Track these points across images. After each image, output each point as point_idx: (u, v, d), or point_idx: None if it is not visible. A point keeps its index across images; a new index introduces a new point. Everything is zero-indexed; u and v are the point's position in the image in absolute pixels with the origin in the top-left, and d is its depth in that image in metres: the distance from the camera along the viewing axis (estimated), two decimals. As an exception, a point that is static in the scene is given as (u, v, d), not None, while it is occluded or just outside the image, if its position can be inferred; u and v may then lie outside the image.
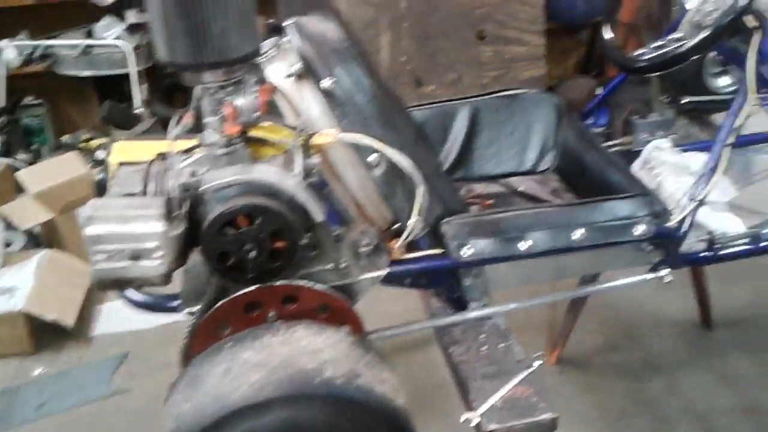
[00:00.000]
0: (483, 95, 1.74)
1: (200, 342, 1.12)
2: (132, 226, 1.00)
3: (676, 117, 1.95)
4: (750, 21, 1.47)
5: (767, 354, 2.39)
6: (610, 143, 1.93)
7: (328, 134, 1.20)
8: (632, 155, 1.84)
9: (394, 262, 1.32)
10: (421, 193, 1.25)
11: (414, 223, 1.28)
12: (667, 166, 1.74)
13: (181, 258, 1.08)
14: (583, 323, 2.52)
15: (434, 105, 1.74)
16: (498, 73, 2.71)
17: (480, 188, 1.73)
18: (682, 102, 1.89)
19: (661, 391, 2.26)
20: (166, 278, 1.05)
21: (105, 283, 1.05)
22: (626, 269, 1.55)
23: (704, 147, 1.60)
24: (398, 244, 1.30)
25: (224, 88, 1.07)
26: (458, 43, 2.64)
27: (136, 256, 1.01)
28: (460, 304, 1.44)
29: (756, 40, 1.47)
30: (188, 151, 1.13)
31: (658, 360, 2.39)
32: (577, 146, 1.72)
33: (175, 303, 1.24)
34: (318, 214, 1.12)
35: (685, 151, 1.81)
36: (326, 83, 1.22)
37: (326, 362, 0.99)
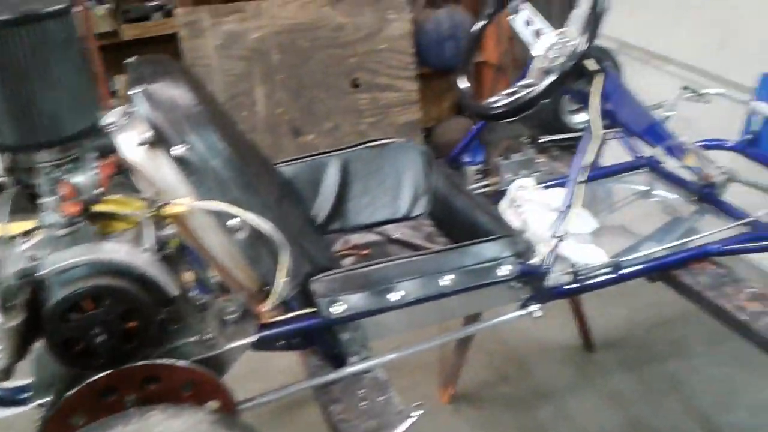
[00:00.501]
0: (352, 147, 1.77)
1: (53, 435, 1.05)
2: (-38, 321, 0.93)
3: (537, 155, 2.04)
4: (591, 65, 1.58)
5: (646, 369, 2.52)
6: (480, 184, 2.00)
7: (182, 203, 1.17)
8: (501, 194, 1.91)
9: (264, 327, 1.29)
10: (285, 254, 1.24)
11: (281, 284, 1.27)
12: (531, 204, 1.81)
13: (21, 350, 1.01)
14: (474, 357, 2.57)
15: (304, 159, 1.74)
16: (375, 120, 2.76)
17: (356, 239, 1.74)
18: (542, 141, 1.99)
19: (551, 417, 2.33)
20: (6, 373, 0.97)
21: (-62, 383, 0.97)
22: (504, 306, 1.59)
23: (566, 182, 1.68)
24: (266, 307, 1.27)
25: (60, 167, 1.02)
26: (334, 92, 2.68)
27: (-31, 352, 0.94)
28: (339, 360, 1.42)
29: (598, 82, 1.57)
30: (28, 233, 1.07)
31: (547, 386, 2.46)
32: (447, 191, 1.76)
33: (25, 395, 1.16)
34: (172, 288, 1.08)
35: (549, 187, 1.90)
36: (179, 150, 1.19)
37: (184, 446, 0.94)
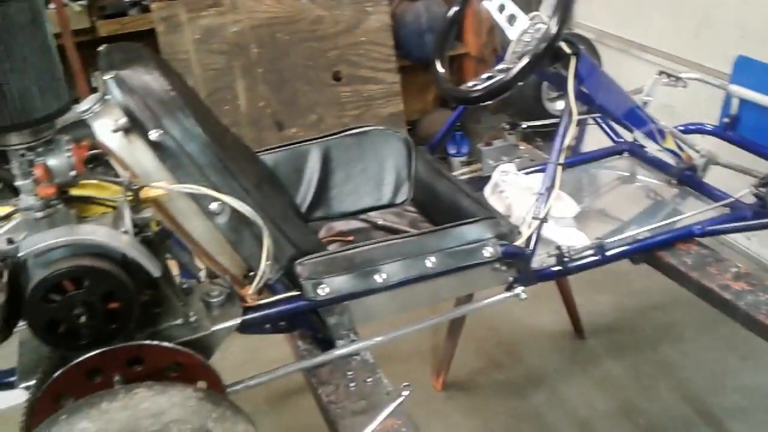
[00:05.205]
0: (333, 135, 1.76)
1: (40, 418, 1.04)
2: (-57, 303, 0.92)
3: (520, 142, 2.05)
4: (565, 48, 1.59)
5: (634, 355, 2.53)
6: (463, 170, 2.01)
7: (158, 186, 1.17)
8: (484, 180, 1.92)
9: (249, 309, 1.29)
10: (266, 237, 1.24)
11: (265, 267, 1.26)
12: (514, 189, 1.82)
13: (4, 331, 1.00)
14: (465, 345, 2.57)
15: (286, 147, 1.74)
16: (358, 112, 2.76)
17: (340, 226, 1.73)
18: (524, 127, 2.00)
19: (543, 403, 2.33)
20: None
21: None
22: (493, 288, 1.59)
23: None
24: (250, 290, 1.27)
25: (33, 149, 1.02)
26: (316, 85, 2.68)
27: (-50, 334, 0.93)
28: (327, 344, 1.42)
29: (572, 65, 1.58)
30: (5, 217, 1.06)
31: (539, 373, 2.47)
32: (429, 177, 1.77)
33: (11, 378, 1.15)
34: (154, 269, 1.08)
35: (531, 173, 1.91)
36: (154, 135, 1.18)
37: (171, 422, 0.94)
